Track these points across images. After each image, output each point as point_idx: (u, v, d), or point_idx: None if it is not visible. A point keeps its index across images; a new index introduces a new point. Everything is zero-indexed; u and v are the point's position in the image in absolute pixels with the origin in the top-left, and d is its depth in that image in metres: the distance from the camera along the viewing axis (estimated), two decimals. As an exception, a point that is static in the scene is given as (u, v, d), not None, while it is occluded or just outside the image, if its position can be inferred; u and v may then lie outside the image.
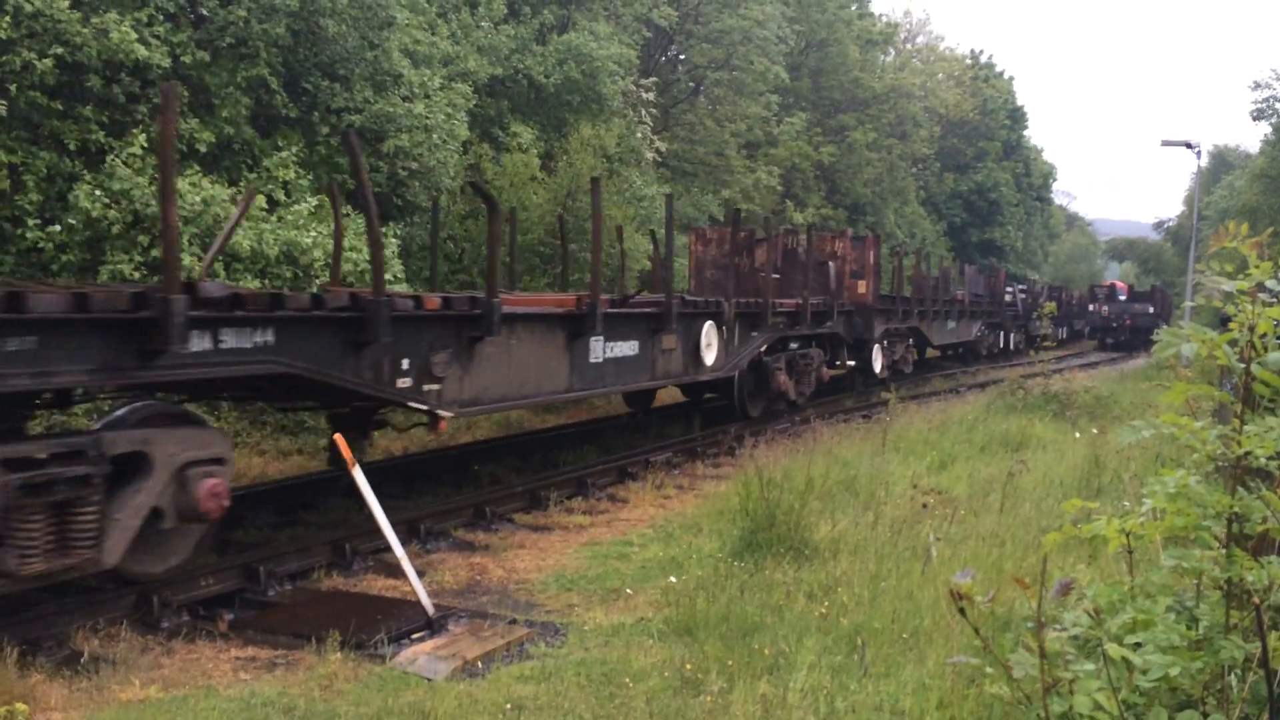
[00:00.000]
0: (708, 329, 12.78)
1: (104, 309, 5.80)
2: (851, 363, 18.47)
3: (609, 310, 10.53)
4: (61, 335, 5.61)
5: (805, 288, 16.08)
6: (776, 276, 15.80)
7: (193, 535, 6.87)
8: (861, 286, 18.95)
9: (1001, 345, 31.56)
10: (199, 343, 6.22)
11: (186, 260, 10.66)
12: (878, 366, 19.73)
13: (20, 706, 4.98)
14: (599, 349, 10.59)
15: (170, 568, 6.75)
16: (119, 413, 6.73)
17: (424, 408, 8.26)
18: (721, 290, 14.00)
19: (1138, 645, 3.03)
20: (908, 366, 22.25)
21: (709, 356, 12.82)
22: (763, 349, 14.63)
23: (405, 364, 7.97)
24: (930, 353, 26.75)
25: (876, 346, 19.47)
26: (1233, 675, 3.10)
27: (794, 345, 15.88)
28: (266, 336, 6.72)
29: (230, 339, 6.46)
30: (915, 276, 23.89)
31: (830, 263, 17.95)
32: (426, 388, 8.22)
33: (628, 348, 11.13)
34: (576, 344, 10.20)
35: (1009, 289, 33.89)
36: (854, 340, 18.45)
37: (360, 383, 7.55)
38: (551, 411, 15.38)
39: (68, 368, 5.66)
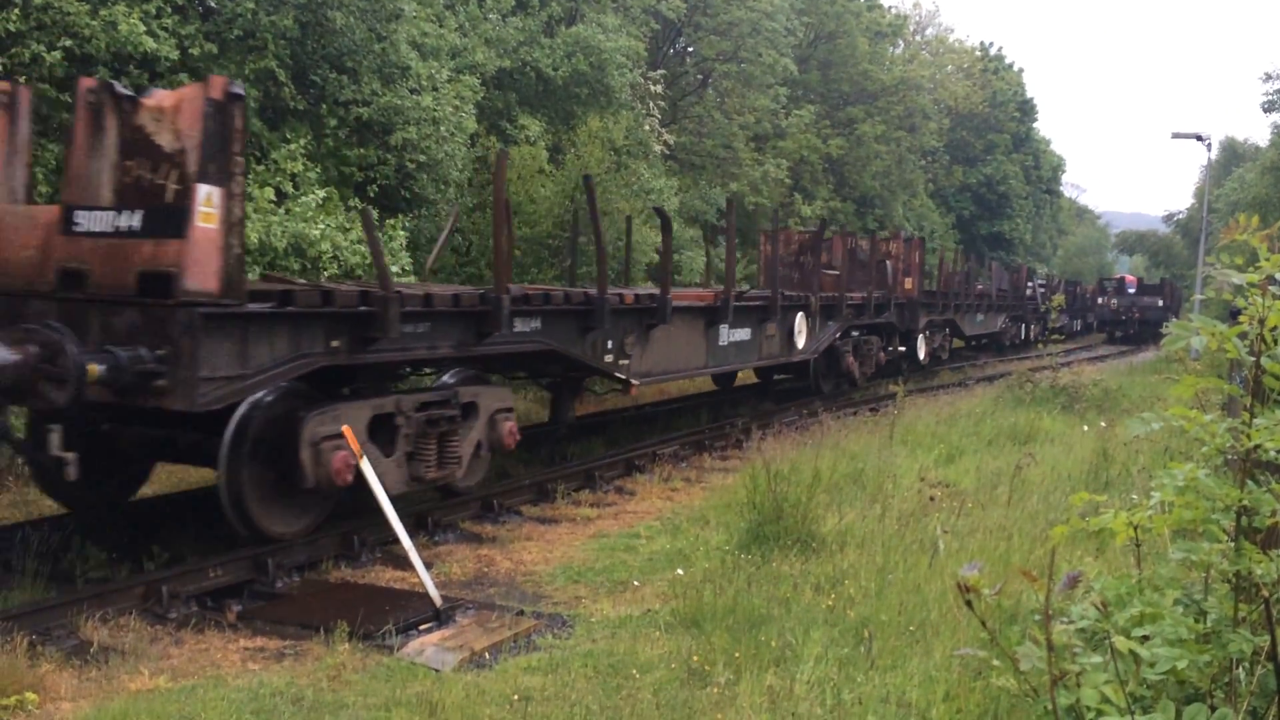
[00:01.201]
0: (799, 318, 15.40)
1: (468, 304, 8.55)
2: (902, 349, 20.89)
3: (735, 303, 13.20)
4: (443, 321, 8.39)
5: (870, 284, 18.67)
6: (839, 274, 17.85)
7: (487, 463, 9.49)
8: (908, 283, 21.09)
9: (1023, 337, 33.22)
10: (506, 327, 8.91)
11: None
12: (922, 354, 22.08)
13: (30, 695, 5.01)
14: (725, 334, 13.39)
15: (476, 483, 9.42)
16: (445, 377, 9.46)
17: (623, 377, 11.08)
18: (789, 284, 16.03)
19: (1145, 638, 3.03)
20: (945, 354, 24.59)
21: (800, 341, 15.54)
22: (837, 335, 17.10)
23: (609, 344, 10.77)
24: (955, 343, 27.39)
25: (920, 336, 21.79)
26: (1241, 669, 3.09)
27: (856, 333, 18.32)
28: (536, 324, 9.56)
29: (520, 325, 9.29)
30: (944, 273, 25.28)
31: (888, 261, 20.29)
32: (621, 362, 11.05)
33: (743, 334, 13.88)
34: (711, 330, 13.04)
35: (1029, 284, 35.47)
36: (903, 330, 20.71)
37: (585, 357, 10.41)
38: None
39: (442, 343, 8.40)
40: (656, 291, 11.72)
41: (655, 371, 11.89)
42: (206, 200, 6.37)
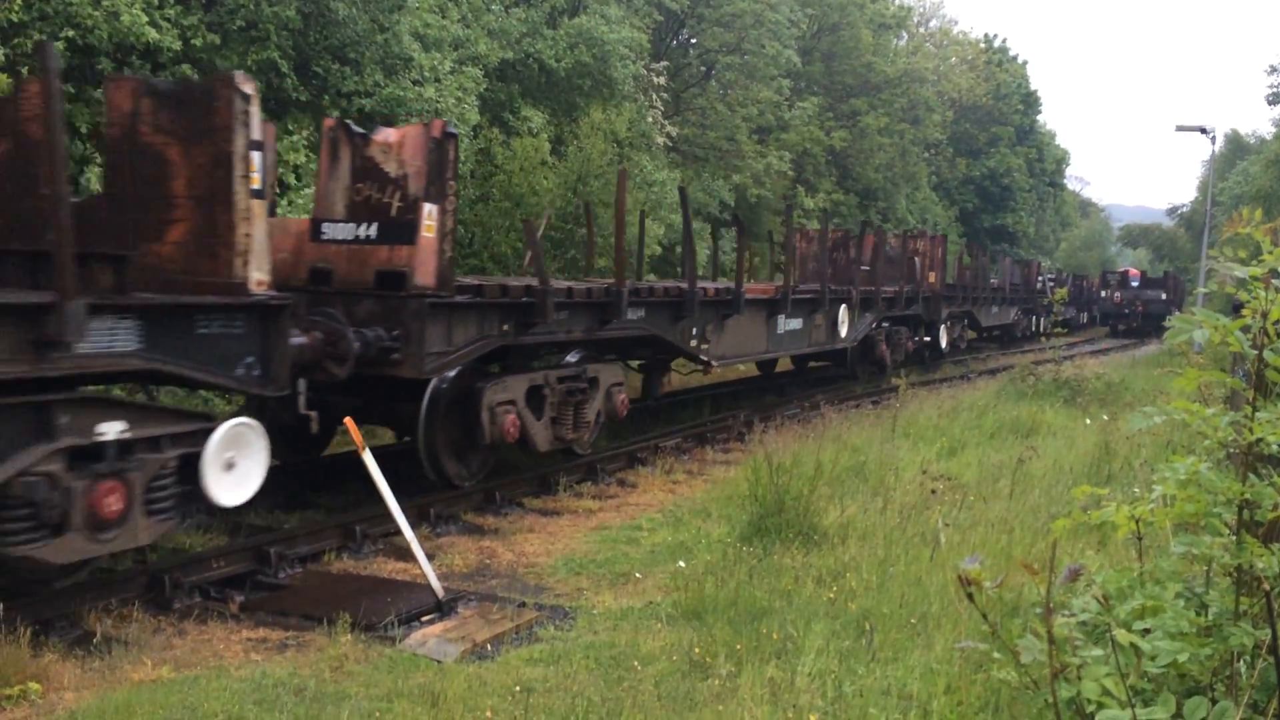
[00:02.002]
0: (842, 310, 17.12)
1: (597, 296, 10.34)
2: (927, 338, 22.53)
3: (792, 296, 15.01)
4: (578, 310, 10.11)
5: (900, 278, 20.29)
6: (870, 269, 19.23)
7: (599, 429, 10.89)
8: (932, 277, 22.51)
9: (1034, 329, 34.31)
10: (623, 315, 10.57)
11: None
12: (944, 343, 23.53)
13: (34, 686, 5.02)
14: (782, 324, 15.09)
15: (592, 446, 11.02)
16: (569, 357, 10.93)
17: (705, 359, 12.79)
18: (820, 279, 17.21)
19: (1146, 631, 3.03)
20: (963, 343, 26.23)
21: (843, 330, 17.28)
22: (873, 325, 18.62)
23: (694, 330, 12.40)
24: (968, 334, 28.03)
25: (942, 326, 23.28)
26: (1242, 662, 3.09)
27: (887, 324, 19.81)
28: (640, 313, 11.15)
29: (630, 313, 10.76)
30: (961, 267, 26.39)
31: (916, 258, 21.58)
32: (703, 346, 12.71)
33: (796, 323, 15.57)
34: (771, 320, 14.76)
35: (1039, 278, 36.54)
36: (927, 321, 22.35)
37: (676, 341, 12.07)
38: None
39: (576, 328, 10.18)
40: (732, 285, 13.55)
41: (728, 355, 13.71)
42: (429, 215, 8.12)
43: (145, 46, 11.45)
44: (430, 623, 6.16)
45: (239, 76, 6.43)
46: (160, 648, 5.76)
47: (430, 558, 7.04)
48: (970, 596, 3.04)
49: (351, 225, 8.48)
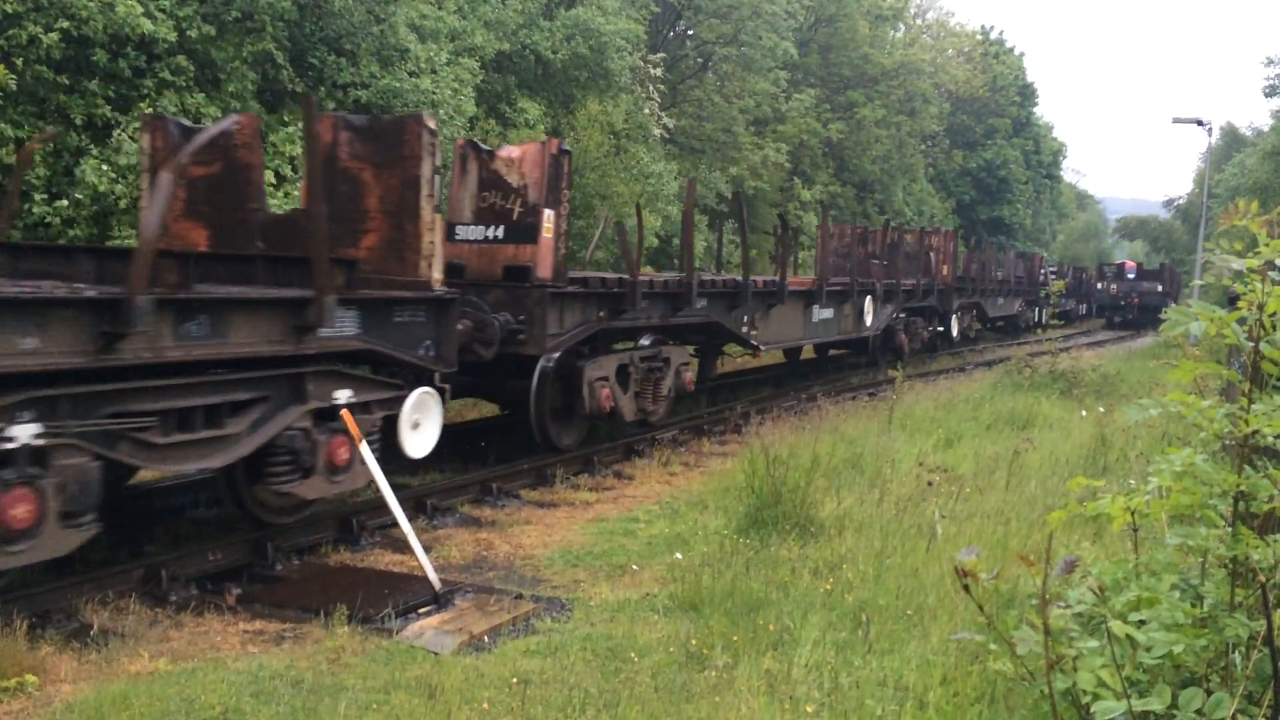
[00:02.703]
0: (868, 301, 18.59)
1: (672, 288, 11.97)
2: (940, 329, 23.89)
3: (826, 287, 16.72)
4: (656, 300, 11.66)
5: (918, 272, 21.88)
6: (886, 263, 20.51)
7: (671, 402, 12.27)
8: (945, 270, 23.88)
9: (1037, 320, 35.35)
10: (691, 304, 12.27)
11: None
12: (955, 332, 25.02)
13: (30, 678, 5.02)
14: (817, 313, 16.73)
15: (664, 418, 12.25)
16: (644, 340, 12.24)
17: (754, 344, 14.53)
18: (841, 273, 18.49)
19: (1142, 623, 3.04)
20: (972, 333, 27.82)
21: (868, 320, 18.74)
22: (894, 316, 20.13)
23: (745, 318, 14.00)
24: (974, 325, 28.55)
25: (954, 317, 24.75)
26: (1237, 653, 3.10)
27: (904, 314, 21.16)
28: (704, 302, 12.71)
29: (696, 303, 12.30)
30: (968, 261, 27.51)
31: (932, 253, 22.94)
32: (752, 332, 14.33)
33: (828, 313, 17.19)
34: (807, 309, 16.44)
35: (1042, 271, 37.47)
36: (940, 311, 23.76)
37: (731, 327, 13.72)
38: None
39: (654, 315, 11.69)
40: (776, 279, 15.18)
41: (772, 340, 15.35)
42: (548, 219, 9.74)
43: (140, 38, 11.41)
44: (427, 615, 6.16)
45: (426, 115, 7.71)
46: (157, 640, 5.75)
47: (427, 550, 7.04)
48: (966, 588, 3.05)
49: (480, 227, 9.99)
